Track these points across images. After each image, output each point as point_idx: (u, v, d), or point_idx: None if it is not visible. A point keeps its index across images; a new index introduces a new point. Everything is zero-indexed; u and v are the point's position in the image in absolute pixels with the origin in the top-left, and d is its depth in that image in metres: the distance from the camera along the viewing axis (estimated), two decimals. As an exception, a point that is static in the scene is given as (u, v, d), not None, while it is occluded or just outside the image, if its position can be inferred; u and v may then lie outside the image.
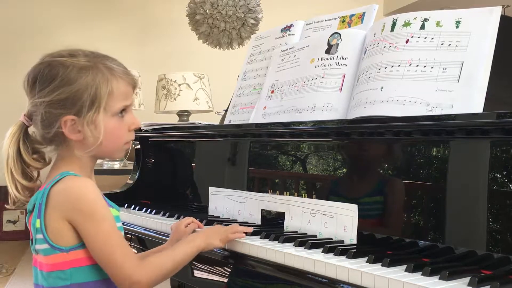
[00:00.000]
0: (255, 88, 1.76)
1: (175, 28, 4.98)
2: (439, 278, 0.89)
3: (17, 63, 4.65)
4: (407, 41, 1.27)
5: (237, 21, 3.90)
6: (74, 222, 1.05)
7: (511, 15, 1.34)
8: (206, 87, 3.73)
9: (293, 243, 1.17)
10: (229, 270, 1.28)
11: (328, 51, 1.49)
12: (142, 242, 1.59)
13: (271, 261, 1.13)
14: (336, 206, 1.23)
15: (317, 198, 1.32)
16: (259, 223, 1.44)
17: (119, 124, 1.13)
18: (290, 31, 1.79)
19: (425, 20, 1.26)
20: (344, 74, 1.42)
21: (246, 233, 1.28)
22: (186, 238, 1.24)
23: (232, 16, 3.86)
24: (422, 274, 0.91)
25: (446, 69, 1.18)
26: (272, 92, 1.62)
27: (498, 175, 0.98)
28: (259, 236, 1.26)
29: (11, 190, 1.09)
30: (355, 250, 1.05)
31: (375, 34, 1.37)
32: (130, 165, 3.11)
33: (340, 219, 1.22)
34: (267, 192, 1.46)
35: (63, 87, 1.07)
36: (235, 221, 1.49)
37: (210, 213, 1.62)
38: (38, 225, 1.06)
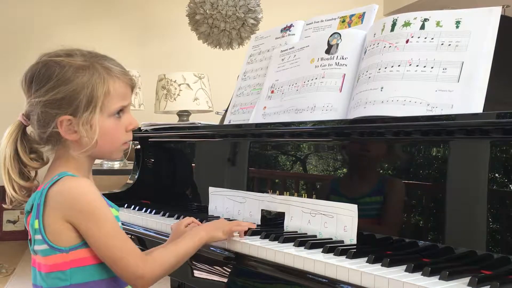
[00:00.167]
0: (255, 88, 1.76)
1: (175, 28, 4.98)
2: (439, 278, 0.89)
3: (17, 63, 4.65)
4: (407, 41, 1.27)
5: (237, 21, 3.90)
6: (74, 223, 1.05)
7: (511, 15, 1.34)
8: (206, 87, 3.73)
9: (293, 243, 1.17)
10: (229, 270, 1.28)
11: (328, 51, 1.48)
12: (142, 242, 1.59)
13: (271, 261, 1.13)
14: (336, 206, 1.23)
15: (317, 198, 1.32)
16: (259, 223, 1.44)
17: (116, 124, 1.13)
18: (290, 31, 1.79)
19: (425, 20, 1.26)
20: (344, 74, 1.42)
21: (247, 231, 1.28)
22: (189, 232, 1.23)
23: (232, 16, 3.86)
24: (422, 274, 0.91)
25: (446, 69, 1.18)
26: (272, 92, 1.62)
27: (498, 175, 0.98)
28: (259, 236, 1.26)
29: (8, 190, 1.09)
30: (355, 250, 1.05)
31: (375, 34, 1.37)
32: (130, 165, 3.11)
33: (340, 219, 1.22)
34: (267, 192, 1.46)
35: (59, 87, 1.07)
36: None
37: (210, 213, 1.62)
38: (36, 225, 1.05)
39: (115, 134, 1.13)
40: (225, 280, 1.30)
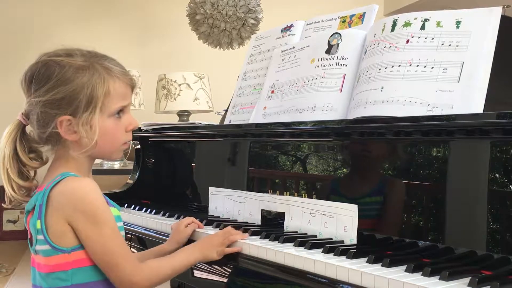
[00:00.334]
0: (255, 88, 1.76)
1: (175, 28, 4.98)
2: (439, 279, 0.89)
3: (17, 63, 4.65)
4: (407, 41, 1.27)
5: (237, 21, 3.90)
6: (74, 224, 1.04)
7: (511, 15, 1.34)
8: (206, 87, 3.73)
9: (293, 243, 1.17)
10: (229, 270, 1.28)
11: (329, 51, 1.48)
12: (142, 242, 1.59)
13: (271, 261, 1.13)
14: (336, 206, 1.23)
15: (317, 198, 1.32)
16: (259, 223, 1.44)
17: (116, 125, 1.12)
18: (290, 31, 1.79)
19: (426, 20, 1.26)
20: (344, 74, 1.42)
21: (247, 230, 1.28)
22: (186, 249, 1.24)
23: (233, 16, 3.86)
24: (422, 275, 0.91)
25: (446, 69, 1.18)
26: (272, 92, 1.62)
27: (498, 176, 0.98)
28: (259, 236, 1.26)
29: (7, 189, 1.08)
30: (355, 250, 1.05)
31: (375, 34, 1.37)
32: (130, 165, 3.11)
33: (340, 219, 1.22)
34: (267, 192, 1.46)
35: (59, 87, 1.06)
36: (235, 221, 1.49)
37: (210, 213, 1.62)
38: (38, 226, 1.05)
39: (115, 134, 1.13)
40: (225, 280, 1.30)
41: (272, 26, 1.89)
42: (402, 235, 1.13)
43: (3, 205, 1.13)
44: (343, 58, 1.44)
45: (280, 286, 1.13)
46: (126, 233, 1.58)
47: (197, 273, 1.37)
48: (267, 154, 1.53)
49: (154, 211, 1.70)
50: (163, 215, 1.65)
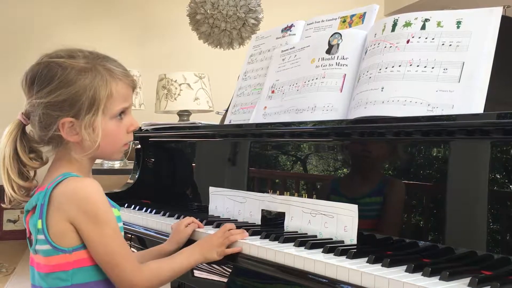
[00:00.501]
0: (255, 88, 1.76)
1: (176, 28, 4.98)
2: (439, 279, 0.89)
3: (17, 63, 4.66)
4: (407, 41, 1.27)
5: (237, 21, 3.90)
6: (77, 224, 1.05)
7: (512, 15, 1.34)
8: (207, 87, 3.73)
9: (293, 243, 1.17)
10: (229, 270, 1.28)
11: (329, 51, 1.48)
12: (142, 241, 1.59)
13: (271, 261, 1.13)
14: (336, 206, 1.23)
15: (317, 198, 1.31)
16: (259, 223, 1.44)
17: (117, 126, 1.12)
18: (290, 31, 1.79)
19: (426, 20, 1.26)
20: (345, 74, 1.41)
21: (247, 230, 1.28)
22: (186, 250, 1.24)
23: (233, 16, 3.86)
24: (422, 275, 0.91)
25: (446, 69, 1.18)
26: (273, 92, 1.62)
27: (498, 176, 0.98)
28: (259, 236, 1.26)
29: (7, 189, 1.08)
30: (355, 250, 1.05)
31: (375, 34, 1.37)
32: (130, 165, 3.11)
33: (340, 219, 1.22)
34: (267, 192, 1.46)
35: (61, 88, 1.06)
36: (235, 221, 1.49)
37: (210, 213, 1.62)
38: (39, 225, 1.05)
39: (117, 136, 1.13)
40: (225, 280, 1.30)
41: (272, 26, 1.89)
42: (402, 235, 1.13)
43: (2, 205, 1.12)
44: (343, 58, 1.44)
45: (280, 286, 1.13)
46: (126, 232, 1.58)
47: (197, 273, 1.37)
48: (267, 154, 1.53)
49: (154, 211, 1.70)
50: (163, 215, 1.65)
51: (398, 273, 0.93)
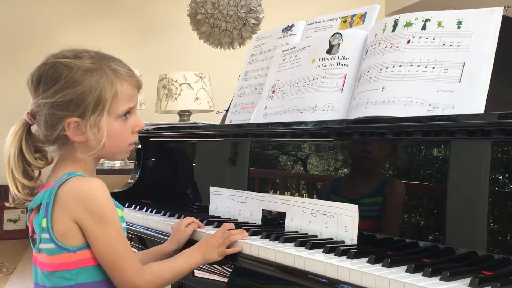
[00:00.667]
0: (256, 88, 1.76)
1: (176, 28, 4.99)
2: (440, 279, 0.89)
3: (17, 63, 4.66)
4: (408, 42, 1.27)
5: (238, 21, 3.90)
6: (82, 223, 1.05)
7: (513, 15, 1.34)
8: (207, 86, 3.73)
9: (293, 243, 1.17)
10: (230, 270, 1.28)
11: (329, 51, 1.48)
12: (143, 241, 1.59)
13: (272, 261, 1.13)
14: (337, 207, 1.23)
15: (318, 198, 1.31)
16: (260, 223, 1.44)
17: (122, 126, 1.13)
18: (291, 31, 1.79)
19: (427, 20, 1.26)
20: (345, 74, 1.41)
21: (248, 230, 1.29)
22: (187, 252, 1.24)
23: (233, 16, 3.86)
24: (423, 275, 0.91)
25: (447, 69, 1.18)
26: (273, 92, 1.62)
27: (499, 176, 0.98)
28: (260, 236, 1.26)
29: (12, 189, 1.09)
30: (355, 250, 1.05)
31: (376, 34, 1.37)
32: (131, 165, 3.11)
33: (341, 220, 1.22)
34: (268, 192, 1.46)
35: (67, 89, 1.07)
36: (235, 221, 1.49)
37: (210, 212, 1.62)
38: (44, 224, 1.05)
39: (122, 136, 1.14)
40: (226, 280, 1.30)
41: (273, 26, 1.89)
42: (402, 236, 1.13)
43: (6, 203, 1.13)
44: (344, 58, 1.44)
45: (281, 286, 1.13)
46: (127, 232, 1.58)
47: (198, 273, 1.37)
48: (268, 154, 1.53)
49: (154, 210, 1.70)
50: (164, 214, 1.65)
51: (398, 273, 0.92)
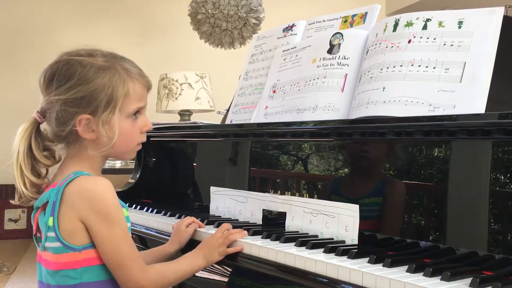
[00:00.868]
0: (256, 87, 1.76)
1: (176, 28, 4.98)
2: (441, 279, 0.89)
3: (17, 63, 4.66)
4: (409, 41, 1.27)
5: (239, 20, 3.90)
6: (87, 222, 1.05)
7: (514, 15, 1.33)
8: (208, 86, 3.73)
9: (294, 243, 1.17)
10: (230, 270, 1.28)
11: (330, 51, 1.48)
12: (143, 241, 1.59)
13: (272, 261, 1.13)
14: (338, 206, 1.23)
15: (318, 198, 1.31)
16: (260, 223, 1.44)
17: (132, 125, 1.15)
18: (292, 31, 1.79)
19: (428, 20, 1.26)
20: (346, 74, 1.41)
21: (248, 230, 1.29)
22: (190, 255, 1.24)
23: (234, 15, 3.86)
24: (423, 275, 0.91)
25: (448, 69, 1.18)
26: (274, 92, 1.62)
27: (500, 176, 0.98)
28: (260, 236, 1.26)
29: (19, 185, 1.09)
30: (356, 250, 1.05)
31: (377, 34, 1.37)
32: (131, 164, 3.11)
33: (342, 219, 1.21)
34: (269, 192, 1.46)
35: (80, 85, 1.08)
36: (236, 221, 1.49)
37: (211, 212, 1.62)
38: (50, 223, 1.06)
39: (131, 135, 1.15)
40: (226, 279, 1.30)
41: (273, 26, 1.89)
42: (403, 236, 1.13)
43: (11, 201, 1.13)
44: (344, 58, 1.44)
45: (281, 286, 1.13)
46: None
47: (198, 273, 1.37)
48: (268, 154, 1.53)
49: (155, 210, 1.70)
50: (164, 214, 1.65)
51: (399, 273, 0.92)
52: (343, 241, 1.20)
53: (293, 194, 1.39)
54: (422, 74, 1.21)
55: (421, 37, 1.25)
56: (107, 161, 3.42)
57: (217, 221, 1.44)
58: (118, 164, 3.43)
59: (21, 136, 1.10)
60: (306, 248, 1.14)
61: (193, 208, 1.78)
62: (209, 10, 3.85)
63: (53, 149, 1.14)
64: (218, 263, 1.26)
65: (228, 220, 1.51)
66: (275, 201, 1.41)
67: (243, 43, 4.13)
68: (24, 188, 1.09)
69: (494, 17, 1.17)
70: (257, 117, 1.64)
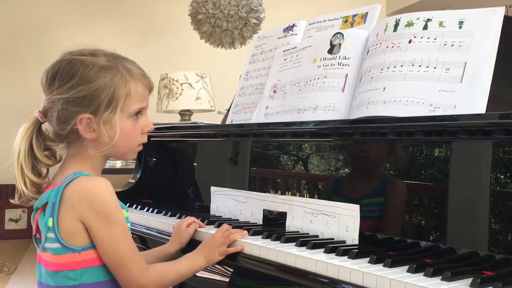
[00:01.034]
0: (257, 88, 1.76)
1: (177, 28, 4.98)
2: (441, 279, 0.89)
3: (17, 63, 4.66)
4: (409, 41, 1.27)
5: (239, 20, 3.90)
6: (87, 223, 1.05)
7: (514, 15, 1.33)
8: (208, 86, 3.73)
9: (294, 243, 1.17)
10: (231, 270, 1.28)
11: (331, 51, 1.48)
12: (144, 241, 1.59)
13: (273, 261, 1.13)
14: (338, 206, 1.23)
15: (319, 198, 1.31)
16: (261, 223, 1.44)
17: (133, 126, 1.15)
18: (292, 31, 1.79)
19: (428, 20, 1.26)
20: (347, 74, 1.41)
21: (249, 230, 1.29)
22: (191, 255, 1.24)
23: (235, 15, 3.86)
24: (424, 275, 0.91)
25: (449, 69, 1.18)
26: (274, 92, 1.62)
27: (500, 176, 0.98)
28: (261, 236, 1.26)
29: (19, 185, 1.09)
30: (357, 250, 1.05)
31: (377, 34, 1.37)
32: (132, 164, 3.11)
33: (342, 220, 1.21)
34: (269, 192, 1.46)
35: (82, 85, 1.08)
36: (236, 221, 1.49)
37: (212, 212, 1.62)
38: (50, 224, 1.06)
39: (133, 135, 1.15)
40: (227, 279, 1.30)
41: (274, 26, 1.89)
42: (404, 236, 1.12)
43: (11, 201, 1.13)
44: (345, 58, 1.44)
45: (282, 286, 1.13)
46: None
47: (199, 273, 1.37)
48: (269, 154, 1.53)
49: (155, 210, 1.70)
50: (165, 214, 1.65)
51: (400, 273, 0.92)
52: (344, 241, 1.20)
53: (293, 194, 1.39)
54: (422, 74, 1.21)
55: (421, 37, 1.25)
56: (108, 161, 3.43)
57: (217, 221, 1.44)
58: (118, 164, 3.43)
59: (22, 135, 1.11)
60: (306, 248, 1.14)
61: (193, 208, 1.78)
62: (210, 10, 3.85)
63: (54, 149, 1.14)
64: (219, 263, 1.26)
65: (228, 220, 1.51)
66: (276, 201, 1.41)
67: (244, 43, 4.13)
68: (25, 187, 1.09)
69: (494, 17, 1.17)
70: (257, 117, 1.64)
